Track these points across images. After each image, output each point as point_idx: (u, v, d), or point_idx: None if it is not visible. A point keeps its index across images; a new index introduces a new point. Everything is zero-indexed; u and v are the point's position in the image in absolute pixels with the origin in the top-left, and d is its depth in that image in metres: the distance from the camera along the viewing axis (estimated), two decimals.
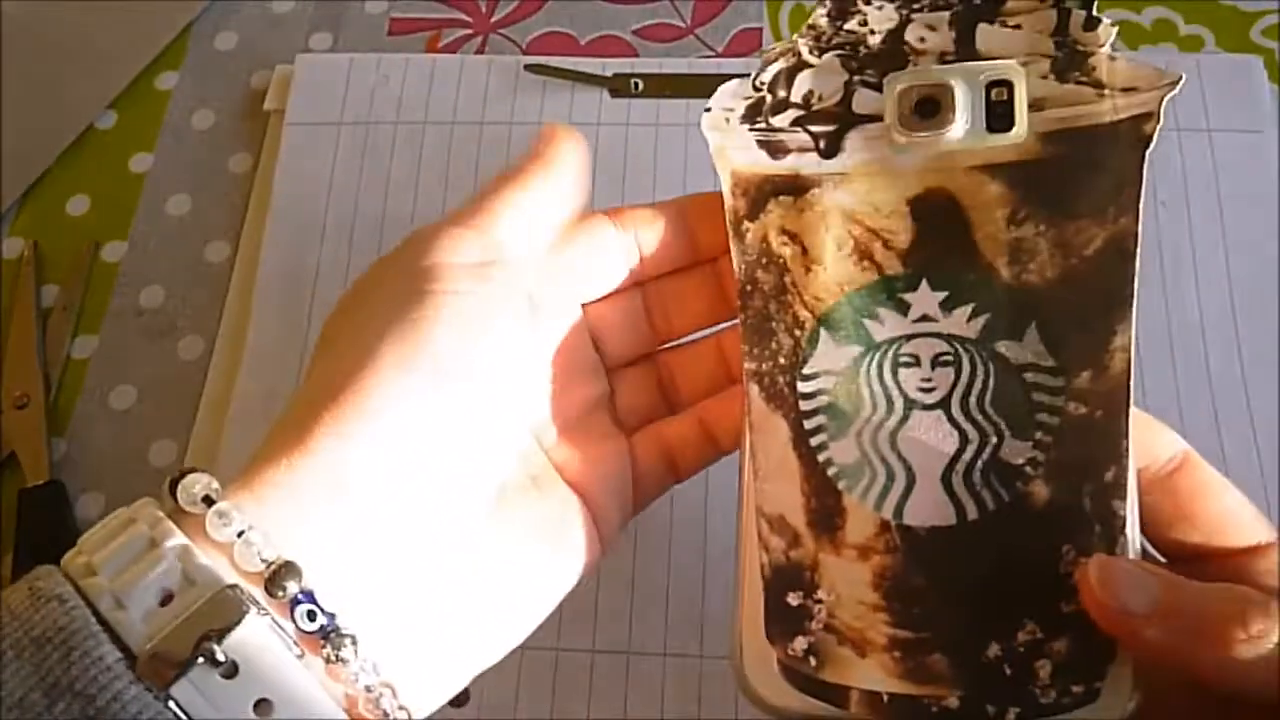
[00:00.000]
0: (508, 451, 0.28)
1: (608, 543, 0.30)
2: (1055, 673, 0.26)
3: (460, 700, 0.27)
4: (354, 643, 0.22)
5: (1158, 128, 0.26)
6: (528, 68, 0.49)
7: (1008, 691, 0.26)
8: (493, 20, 0.53)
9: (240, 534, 0.22)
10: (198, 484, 0.23)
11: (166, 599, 0.21)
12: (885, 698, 0.27)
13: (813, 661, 0.27)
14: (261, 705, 0.21)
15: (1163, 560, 0.28)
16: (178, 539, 0.22)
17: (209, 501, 0.22)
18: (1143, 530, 0.27)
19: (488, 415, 0.27)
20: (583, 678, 0.39)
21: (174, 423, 0.44)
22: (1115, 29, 0.27)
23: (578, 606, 0.39)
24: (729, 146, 0.29)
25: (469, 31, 0.53)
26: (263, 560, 0.22)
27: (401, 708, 0.23)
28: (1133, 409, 0.27)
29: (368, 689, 0.23)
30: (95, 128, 0.52)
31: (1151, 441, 0.27)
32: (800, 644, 0.27)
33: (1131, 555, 0.26)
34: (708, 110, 0.29)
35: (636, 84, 0.49)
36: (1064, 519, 0.26)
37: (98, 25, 0.52)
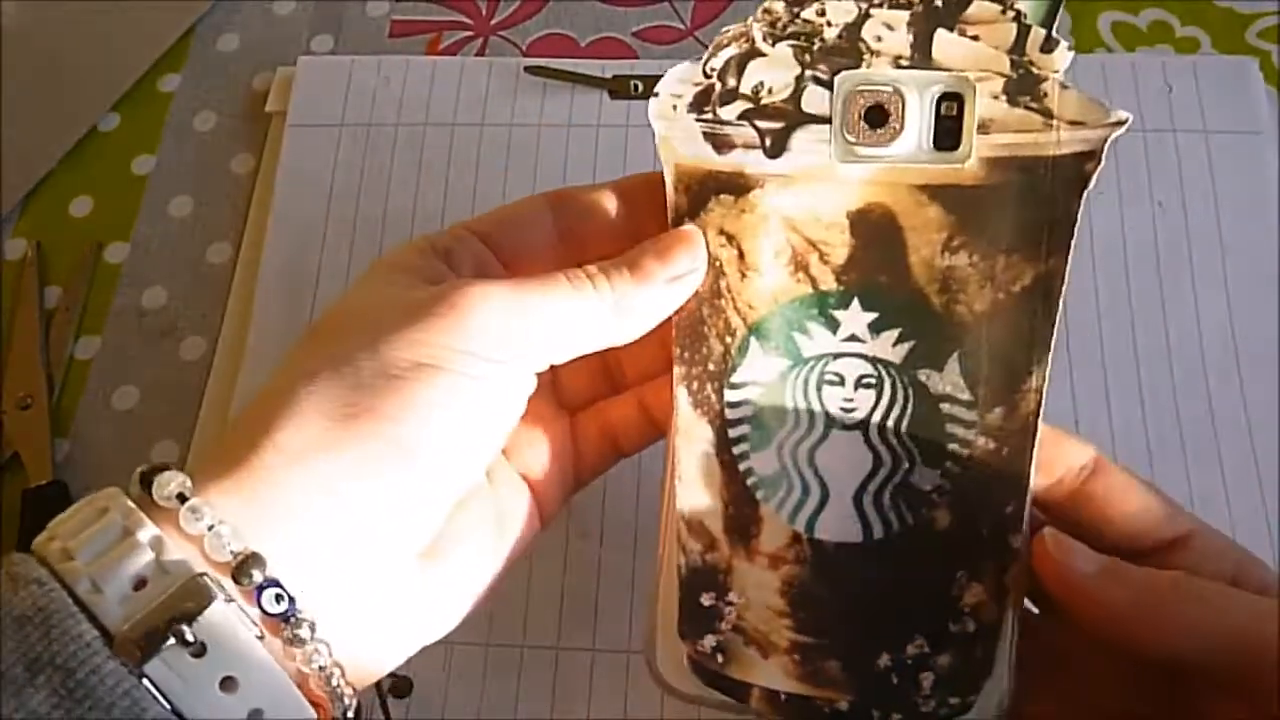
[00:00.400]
0: (502, 443, 0.28)
1: (548, 521, 0.31)
2: (936, 684, 0.28)
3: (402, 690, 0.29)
4: (312, 627, 0.24)
5: (1098, 170, 0.27)
6: (528, 69, 0.50)
7: (893, 699, 0.28)
8: (493, 22, 0.53)
9: (210, 528, 0.24)
10: (172, 481, 0.24)
11: (140, 584, 0.23)
12: (783, 696, 0.28)
13: (720, 659, 0.29)
14: (227, 682, 0.23)
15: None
16: (150, 529, 0.23)
17: (182, 498, 0.24)
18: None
19: (463, 433, 0.27)
20: (583, 678, 0.39)
21: (176, 423, 0.44)
22: (1072, 54, 0.27)
23: (578, 606, 0.40)
24: (674, 137, 0.28)
25: (469, 34, 0.53)
26: (231, 552, 0.23)
27: (349, 684, 0.25)
28: (1041, 424, 0.28)
29: (320, 668, 0.24)
30: (98, 129, 0.52)
31: (1063, 452, 0.28)
32: (709, 642, 0.29)
33: (1015, 578, 0.28)
34: (655, 95, 0.28)
35: (636, 86, 0.49)
36: (961, 545, 0.28)
37: (100, 27, 0.52)
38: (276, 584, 0.24)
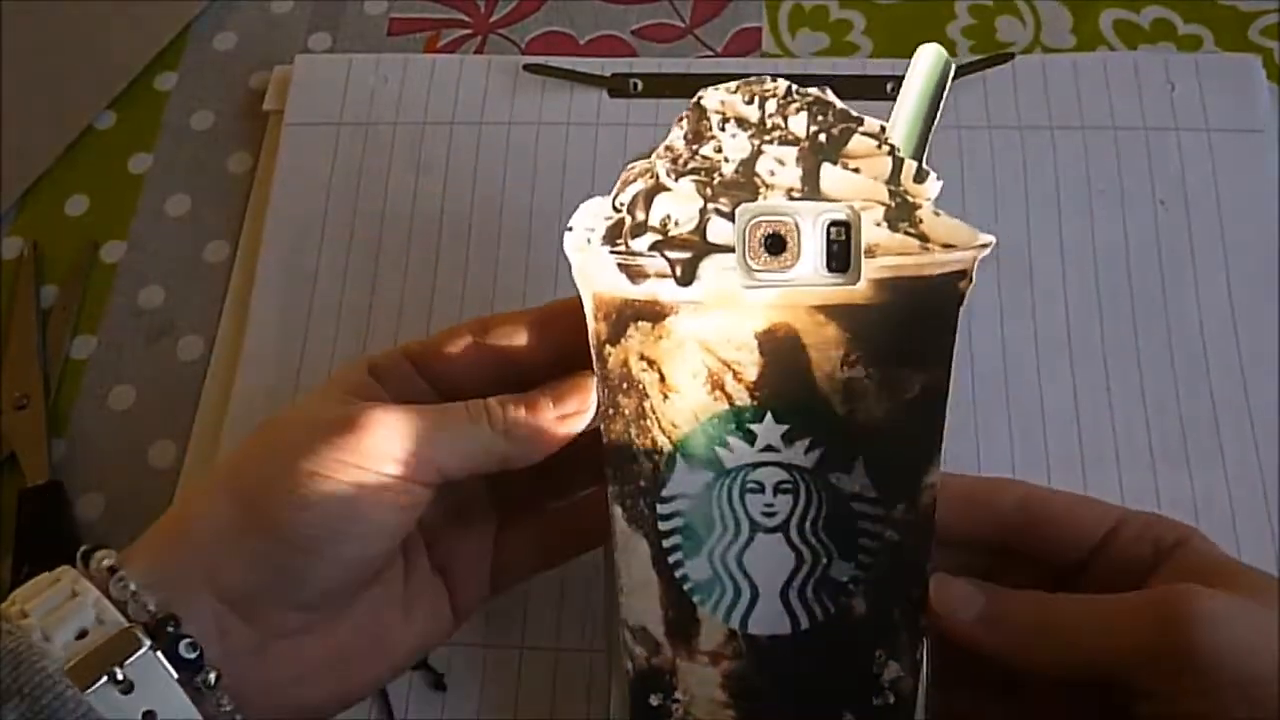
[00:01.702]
0: (393, 542, 0.31)
1: (463, 617, 0.34)
2: None
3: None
4: (218, 677, 0.28)
5: (970, 287, 0.29)
6: (527, 68, 0.49)
7: None
8: (492, 20, 0.53)
9: (134, 594, 0.28)
10: (106, 559, 0.29)
11: (82, 634, 0.27)
12: None
13: None
14: (148, 715, 0.27)
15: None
16: (94, 592, 0.28)
17: (112, 570, 0.28)
18: (1026, 559, 0.31)
19: (385, 512, 0.30)
20: (583, 678, 0.39)
21: (173, 423, 0.44)
22: (941, 183, 0.29)
23: (577, 606, 0.39)
24: (590, 269, 0.30)
25: (468, 31, 0.53)
26: (149, 612, 0.28)
27: None
28: (971, 478, 0.32)
29: (227, 712, 0.28)
30: (94, 128, 0.52)
31: (998, 497, 0.31)
32: None
33: (926, 652, 0.31)
34: (569, 230, 0.30)
35: (635, 84, 0.49)
36: (877, 628, 0.31)
37: (97, 25, 0.52)
38: (189, 637, 0.28)
